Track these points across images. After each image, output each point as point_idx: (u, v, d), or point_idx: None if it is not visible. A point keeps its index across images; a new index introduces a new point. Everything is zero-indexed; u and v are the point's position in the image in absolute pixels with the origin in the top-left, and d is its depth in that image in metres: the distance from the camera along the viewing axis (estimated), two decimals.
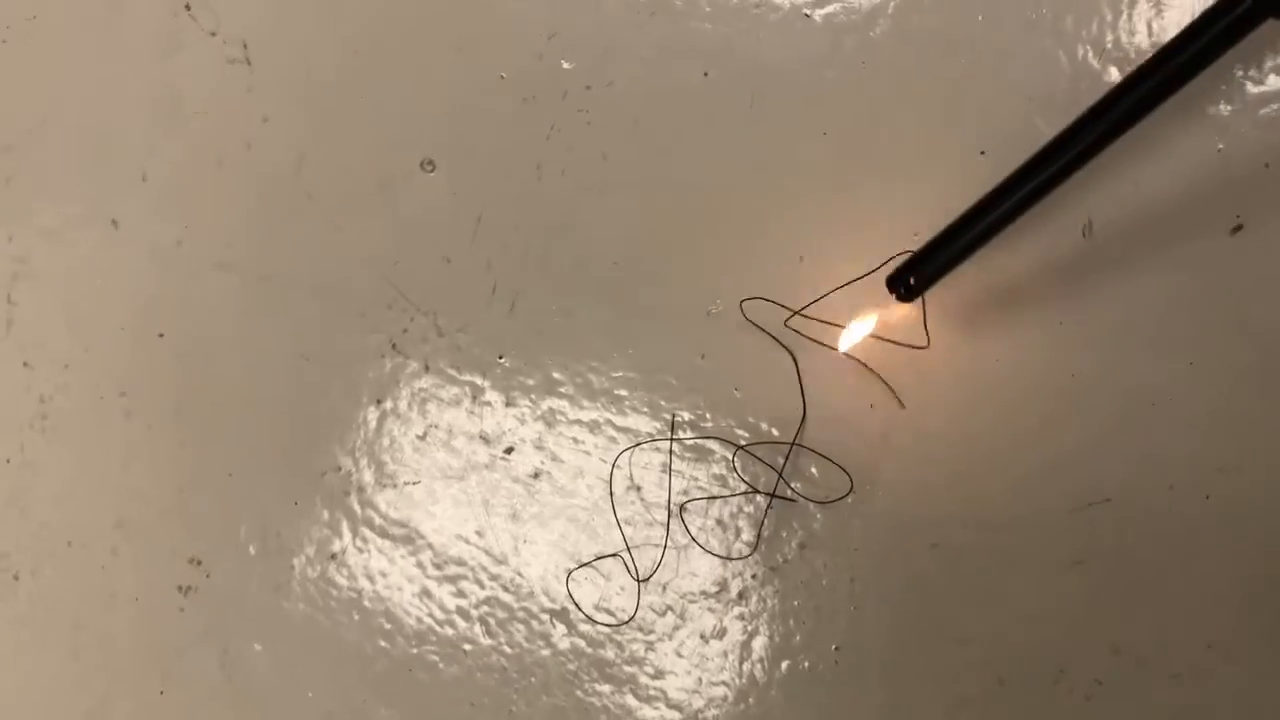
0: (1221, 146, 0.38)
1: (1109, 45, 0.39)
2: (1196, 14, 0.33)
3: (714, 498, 0.43)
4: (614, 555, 0.45)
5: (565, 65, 0.45)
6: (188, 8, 0.50)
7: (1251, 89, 0.38)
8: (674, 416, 0.43)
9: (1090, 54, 0.39)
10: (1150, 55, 0.34)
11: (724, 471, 0.43)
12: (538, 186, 0.46)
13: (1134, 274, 0.40)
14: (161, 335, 0.52)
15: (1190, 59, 0.33)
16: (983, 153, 0.40)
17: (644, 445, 0.44)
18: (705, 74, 0.43)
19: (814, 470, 0.42)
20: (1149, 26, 0.39)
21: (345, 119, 0.48)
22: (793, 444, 0.42)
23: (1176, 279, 0.39)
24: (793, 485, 0.42)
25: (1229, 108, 0.38)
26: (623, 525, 0.45)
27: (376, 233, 0.48)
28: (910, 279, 0.38)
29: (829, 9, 0.41)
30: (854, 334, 0.41)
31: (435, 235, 0.47)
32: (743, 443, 0.43)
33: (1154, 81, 0.34)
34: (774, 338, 0.42)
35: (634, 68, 0.44)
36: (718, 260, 0.44)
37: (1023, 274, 0.41)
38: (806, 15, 0.41)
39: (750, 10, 0.42)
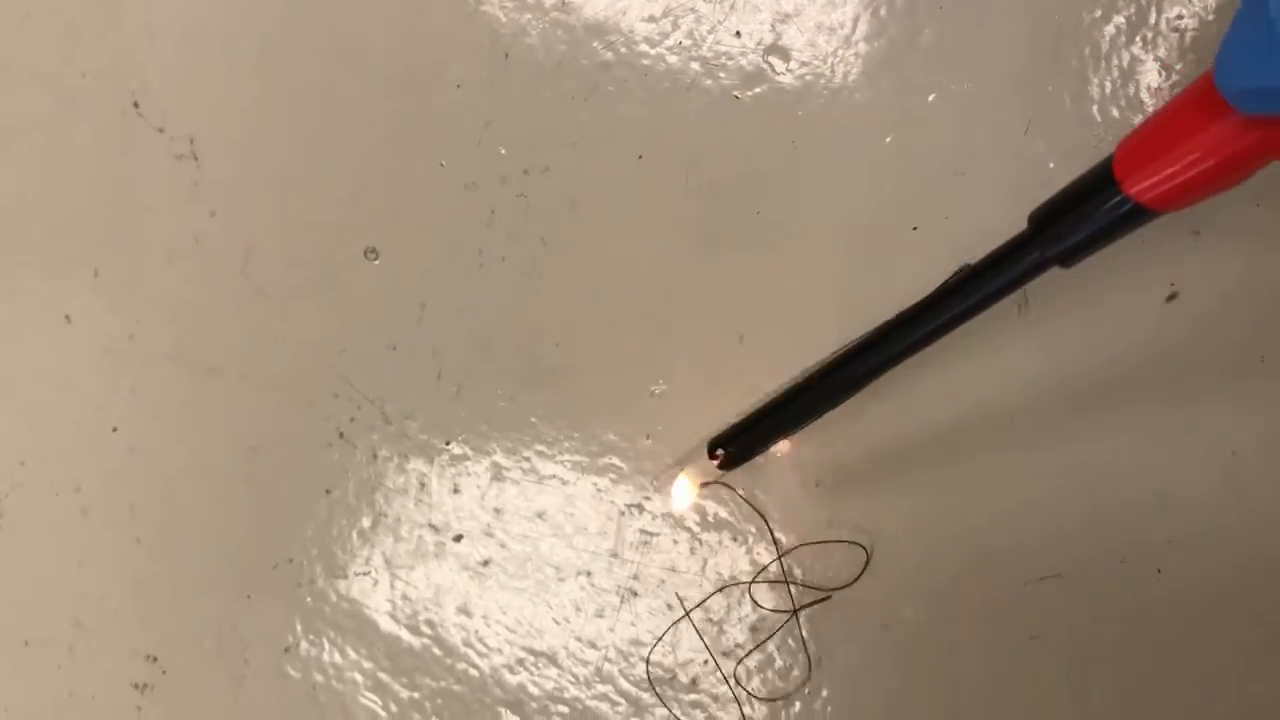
0: None
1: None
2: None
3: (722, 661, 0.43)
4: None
5: (502, 151, 0.45)
6: (135, 105, 0.50)
7: None
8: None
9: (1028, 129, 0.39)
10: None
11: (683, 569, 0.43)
12: (479, 272, 0.46)
13: (1071, 348, 0.39)
14: (115, 430, 0.52)
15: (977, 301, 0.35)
16: (915, 228, 0.40)
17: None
18: (639, 157, 0.43)
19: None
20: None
21: (290, 211, 0.48)
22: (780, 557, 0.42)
23: (1115, 350, 0.39)
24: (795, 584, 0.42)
25: None
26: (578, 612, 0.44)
27: (323, 322, 0.48)
28: (728, 448, 0.40)
29: (757, 90, 0.41)
30: (679, 496, 0.42)
31: (380, 323, 0.47)
32: (743, 579, 0.43)
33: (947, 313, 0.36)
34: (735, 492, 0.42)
35: (569, 152, 0.44)
36: (659, 341, 0.44)
37: (959, 355, 0.40)
38: (736, 97, 0.42)
39: (681, 93, 0.42)
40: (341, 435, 0.48)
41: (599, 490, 0.44)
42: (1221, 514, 0.38)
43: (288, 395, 0.49)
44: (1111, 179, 0.31)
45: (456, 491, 0.46)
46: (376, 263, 0.47)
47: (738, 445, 0.40)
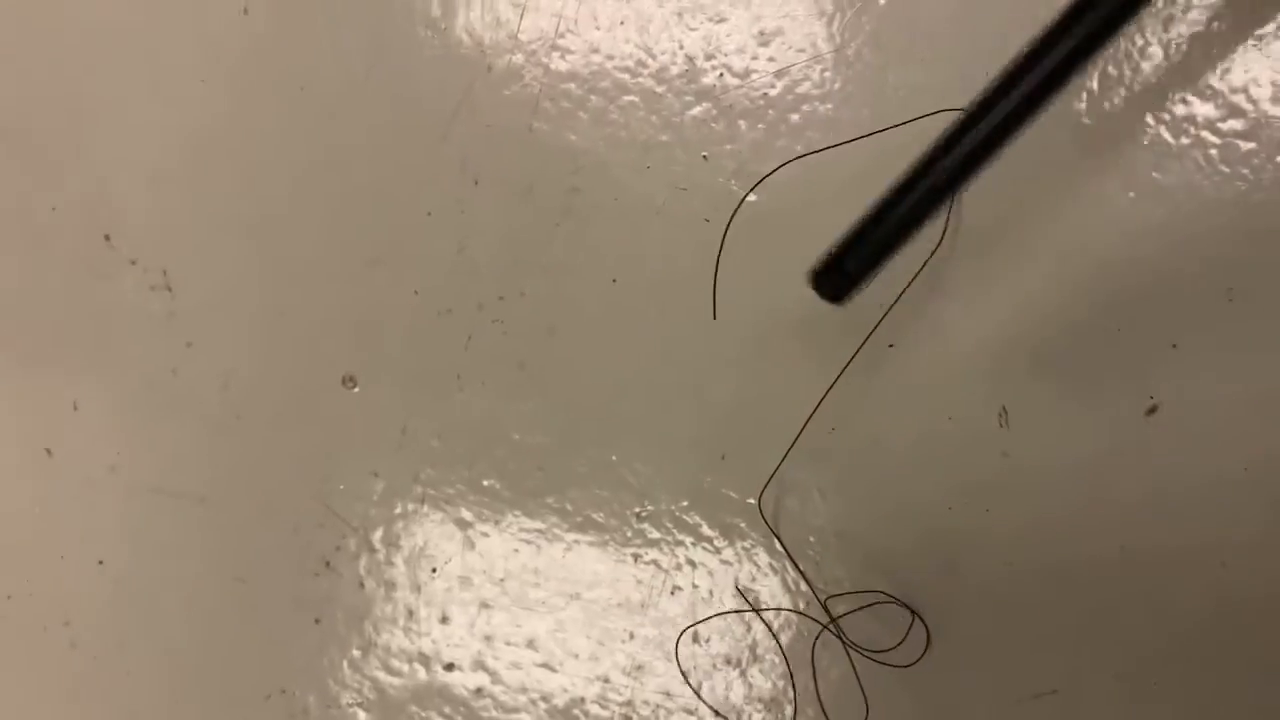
0: (1119, 328, 0.38)
1: None
2: None
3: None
4: None
5: (477, 277, 0.45)
6: (107, 238, 0.50)
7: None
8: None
9: None
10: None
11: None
12: (459, 397, 0.45)
13: (1058, 459, 0.39)
14: (101, 563, 0.52)
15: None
16: (892, 345, 0.40)
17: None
18: (614, 280, 0.43)
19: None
20: None
21: (266, 340, 0.48)
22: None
23: (1097, 458, 0.39)
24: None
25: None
26: None
27: (304, 450, 0.48)
28: (842, 271, 0.32)
29: (724, 213, 0.41)
30: None
31: (362, 449, 0.47)
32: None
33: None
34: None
35: (543, 277, 0.44)
36: (641, 462, 0.43)
37: (941, 485, 0.40)
38: (706, 221, 0.42)
39: (653, 217, 0.42)
40: (328, 564, 0.47)
41: (588, 616, 0.44)
42: (1220, 629, 0.38)
43: (272, 524, 0.48)
44: None
45: (445, 620, 0.46)
46: (355, 390, 0.47)
47: (848, 268, 0.32)
